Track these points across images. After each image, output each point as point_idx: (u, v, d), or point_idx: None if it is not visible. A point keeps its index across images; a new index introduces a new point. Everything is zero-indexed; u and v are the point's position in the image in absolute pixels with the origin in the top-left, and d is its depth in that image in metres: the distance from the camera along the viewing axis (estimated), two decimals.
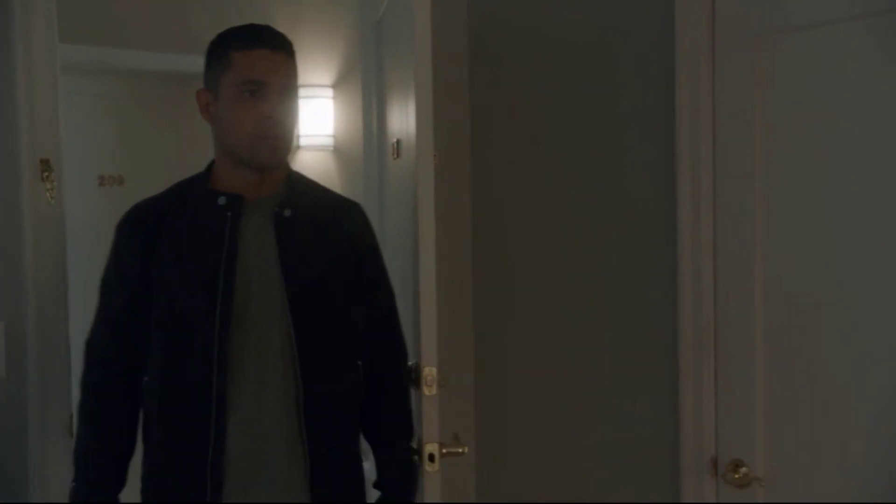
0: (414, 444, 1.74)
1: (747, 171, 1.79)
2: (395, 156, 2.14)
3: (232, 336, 1.54)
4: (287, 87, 1.59)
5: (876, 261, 1.60)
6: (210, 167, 1.68)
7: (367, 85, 2.73)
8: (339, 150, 3.42)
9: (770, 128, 1.76)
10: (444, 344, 1.71)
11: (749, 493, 1.81)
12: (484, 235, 2.58)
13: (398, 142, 2.08)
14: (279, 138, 1.58)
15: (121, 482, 1.65)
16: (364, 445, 1.75)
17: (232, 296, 1.54)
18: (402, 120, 1.97)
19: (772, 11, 1.74)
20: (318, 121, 3.34)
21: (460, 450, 1.70)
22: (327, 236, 1.65)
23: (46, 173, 1.88)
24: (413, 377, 1.72)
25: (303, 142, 3.34)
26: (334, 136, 3.39)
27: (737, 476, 1.81)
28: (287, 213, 1.61)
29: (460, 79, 2.56)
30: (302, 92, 3.37)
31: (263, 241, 1.59)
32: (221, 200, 1.59)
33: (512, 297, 2.48)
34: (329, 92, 3.38)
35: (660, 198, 1.97)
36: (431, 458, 1.66)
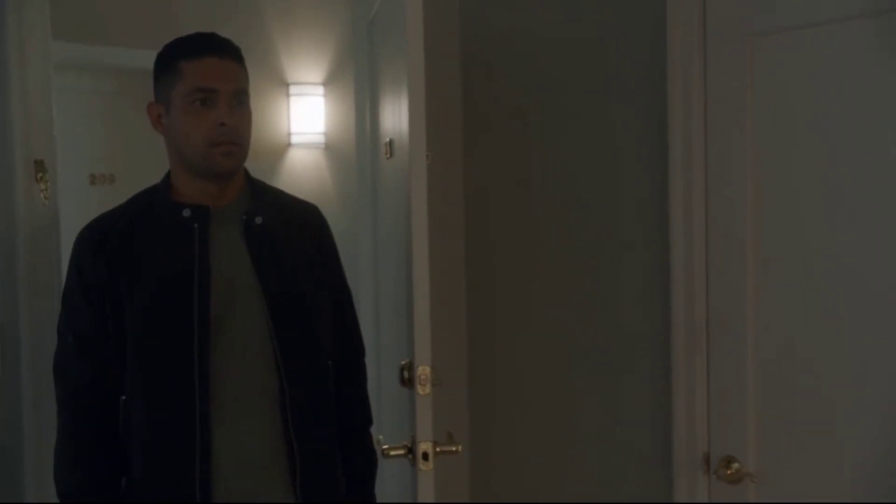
0: (373, 431, 1.83)
1: (739, 170, 1.81)
2: (388, 155, 2.14)
3: (213, 349, 1.54)
4: (238, 93, 1.59)
5: (869, 261, 1.61)
6: (167, 178, 1.66)
7: (359, 83, 2.74)
8: (330, 148, 3.42)
9: (762, 127, 1.77)
10: (438, 343, 1.72)
11: (741, 489, 1.82)
12: (477, 235, 2.59)
13: (391, 141, 2.08)
14: (233, 144, 1.58)
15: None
16: None
17: (209, 306, 1.54)
18: (395, 119, 1.98)
19: (763, 12, 1.75)
20: (309, 118, 3.34)
21: (454, 448, 1.71)
22: (295, 240, 1.67)
23: (41, 174, 1.88)
24: (407, 376, 1.73)
25: (294, 139, 3.35)
26: (326, 134, 3.39)
27: (729, 472, 1.82)
28: (258, 220, 1.62)
29: (453, 78, 2.56)
30: (293, 90, 3.39)
31: (234, 250, 1.60)
32: (186, 212, 1.59)
33: (505, 296, 2.49)
34: (320, 90, 3.38)
35: (652, 197, 1.98)
36: (425, 456, 1.66)
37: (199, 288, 1.54)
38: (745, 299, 1.80)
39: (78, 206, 2.80)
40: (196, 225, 1.58)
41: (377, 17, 2.38)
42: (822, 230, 1.68)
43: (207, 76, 1.55)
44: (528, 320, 2.42)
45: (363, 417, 1.85)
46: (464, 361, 2.60)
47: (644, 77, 1.99)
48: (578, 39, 2.20)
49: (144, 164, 3.27)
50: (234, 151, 1.58)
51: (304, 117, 3.35)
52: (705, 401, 1.89)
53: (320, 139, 3.40)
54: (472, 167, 2.58)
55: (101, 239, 1.60)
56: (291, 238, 1.66)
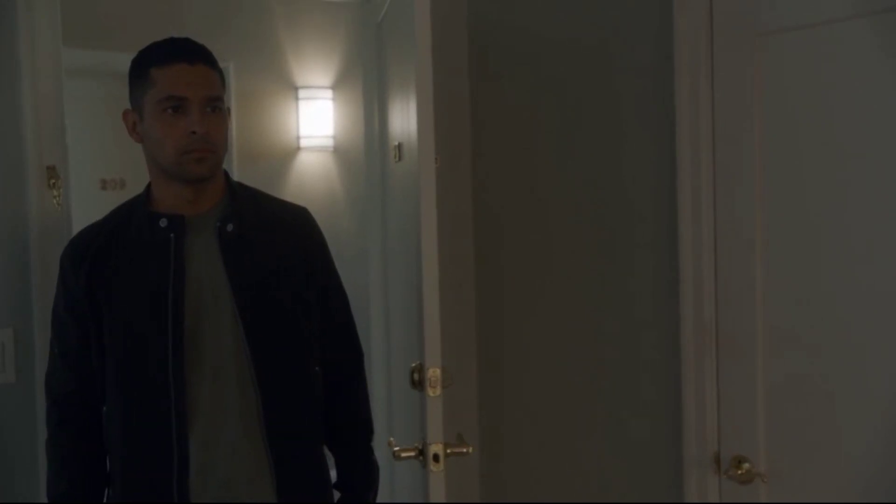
0: (373, 444, 1.80)
1: (747, 169, 1.81)
2: (398, 159, 2.15)
3: (186, 357, 1.54)
4: (210, 99, 1.56)
5: (876, 258, 1.61)
6: (147, 188, 1.67)
7: (367, 87, 2.75)
8: (339, 151, 3.43)
9: (769, 127, 1.77)
10: (448, 345, 1.73)
11: (752, 489, 1.82)
12: (485, 236, 2.59)
13: (400, 145, 2.09)
14: (205, 150, 1.56)
15: None
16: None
17: (182, 317, 1.54)
18: (404, 123, 1.99)
19: (768, 11, 1.75)
20: (317, 122, 3.36)
21: (465, 450, 1.72)
22: (275, 247, 1.65)
23: (53, 180, 1.90)
24: (417, 378, 1.74)
25: (303, 143, 3.37)
26: (335, 137, 3.41)
27: (740, 472, 1.82)
28: (230, 227, 1.60)
29: (461, 81, 2.57)
30: (302, 93, 3.41)
31: (210, 258, 1.59)
32: (163, 222, 1.58)
33: (514, 296, 2.50)
34: (329, 93, 3.39)
35: (661, 197, 1.99)
36: (436, 458, 1.67)
37: (173, 300, 1.54)
38: (755, 299, 1.80)
39: (90, 211, 2.82)
40: (172, 235, 1.57)
41: (385, 20, 2.40)
42: (830, 229, 1.68)
43: (178, 83, 1.54)
44: (537, 321, 2.43)
45: (362, 427, 1.82)
46: (473, 363, 2.61)
47: (651, 77, 2.00)
48: (585, 41, 2.21)
49: None
50: (207, 158, 1.56)
51: (312, 121, 3.36)
52: (715, 400, 1.89)
53: (329, 142, 3.41)
54: (481, 169, 2.59)
55: (82, 253, 1.60)
56: (268, 245, 1.64)
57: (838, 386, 1.69)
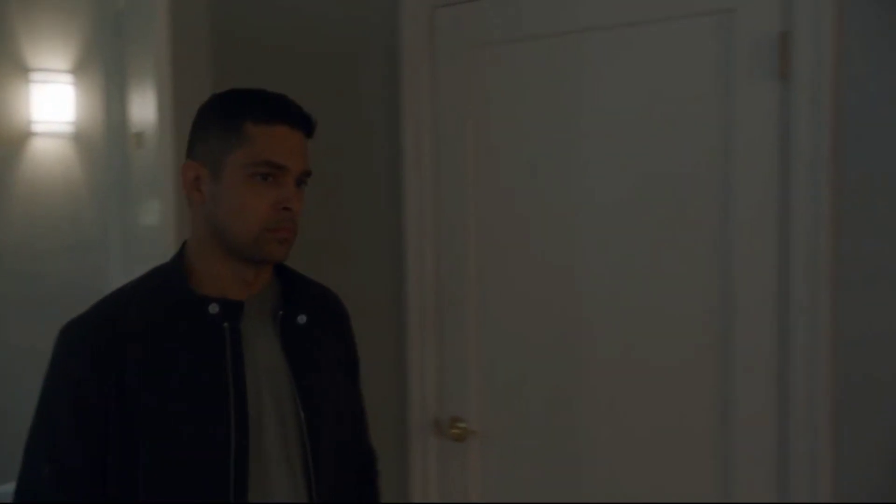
0: None
1: (463, 171, 2.07)
2: (137, 146, 2.17)
3: (251, 450, 1.26)
4: (305, 174, 1.33)
5: (574, 243, 1.93)
6: (181, 259, 1.33)
7: (109, 73, 2.71)
8: (80, 138, 3.31)
9: (481, 133, 2.03)
10: None
11: (466, 448, 2.09)
12: None
13: (139, 133, 2.12)
14: (290, 231, 1.31)
15: None
16: None
17: (246, 409, 1.26)
18: (144, 111, 2.02)
19: (480, 27, 2.01)
20: (55, 106, 3.21)
21: None
22: (328, 339, 1.44)
23: None
24: None
25: (38, 128, 3.20)
26: (75, 124, 3.28)
27: (455, 431, 2.07)
28: (301, 319, 1.36)
29: (202, 72, 2.61)
30: (35, 76, 3.23)
31: (268, 349, 1.32)
32: (213, 308, 1.28)
33: None
34: (67, 77, 3.26)
35: (390, 196, 2.18)
36: None
37: (235, 392, 1.26)
38: (469, 283, 2.07)
39: None
40: (226, 324, 1.29)
41: (126, 9, 2.39)
42: (533, 216, 1.98)
43: (280, 149, 1.28)
44: None
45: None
46: None
47: (383, 89, 2.18)
48: (324, 51, 2.34)
49: None
50: (289, 240, 1.31)
51: (48, 105, 3.21)
52: (434, 368, 2.13)
53: (67, 129, 3.28)
54: None
55: (106, 344, 1.22)
56: (322, 336, 1.42)
57: (538, 356, 1.99)
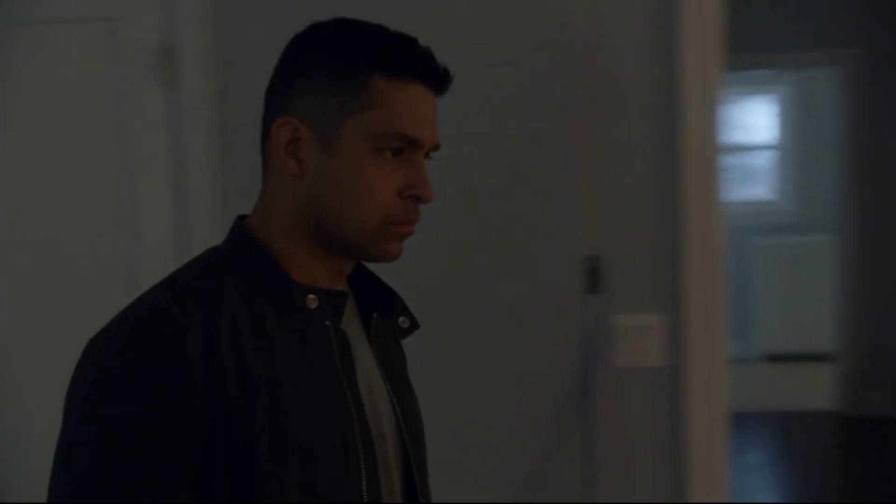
0: None
1: None
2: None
3: (379, 461, 1.04)
4: (434, 149, 1.02)
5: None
6: (254, 239, 1.00)
7: None
8: None
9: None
10: None
11: None
12: None
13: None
14: (412, 224, 1.01)
15: None
16: None
17: (365, 414, 1.03)
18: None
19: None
20: None
21: None
22: (393, 339, 1.21)
23: None
24: None
25: None
26: None
27: None
28: (402, 321, 1.12)
29: None
30: None
31: (360, 343, 1.07)
32: (311, 302, 0.99)
33: None
34: None
35: None
36: None
37: (352, 397, 1.01)
38: None
39: None
40: (328, 322, 1.00)
41: None
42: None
43: (418, 117, 0.96)
44: None
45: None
46: None
47: None
48: None
49: None
50: (408, 236, 1.02)
51: None
52: None
53: None
54: None
55: (205, 333, 0.90)
56: (391, 336, 1.19)
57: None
